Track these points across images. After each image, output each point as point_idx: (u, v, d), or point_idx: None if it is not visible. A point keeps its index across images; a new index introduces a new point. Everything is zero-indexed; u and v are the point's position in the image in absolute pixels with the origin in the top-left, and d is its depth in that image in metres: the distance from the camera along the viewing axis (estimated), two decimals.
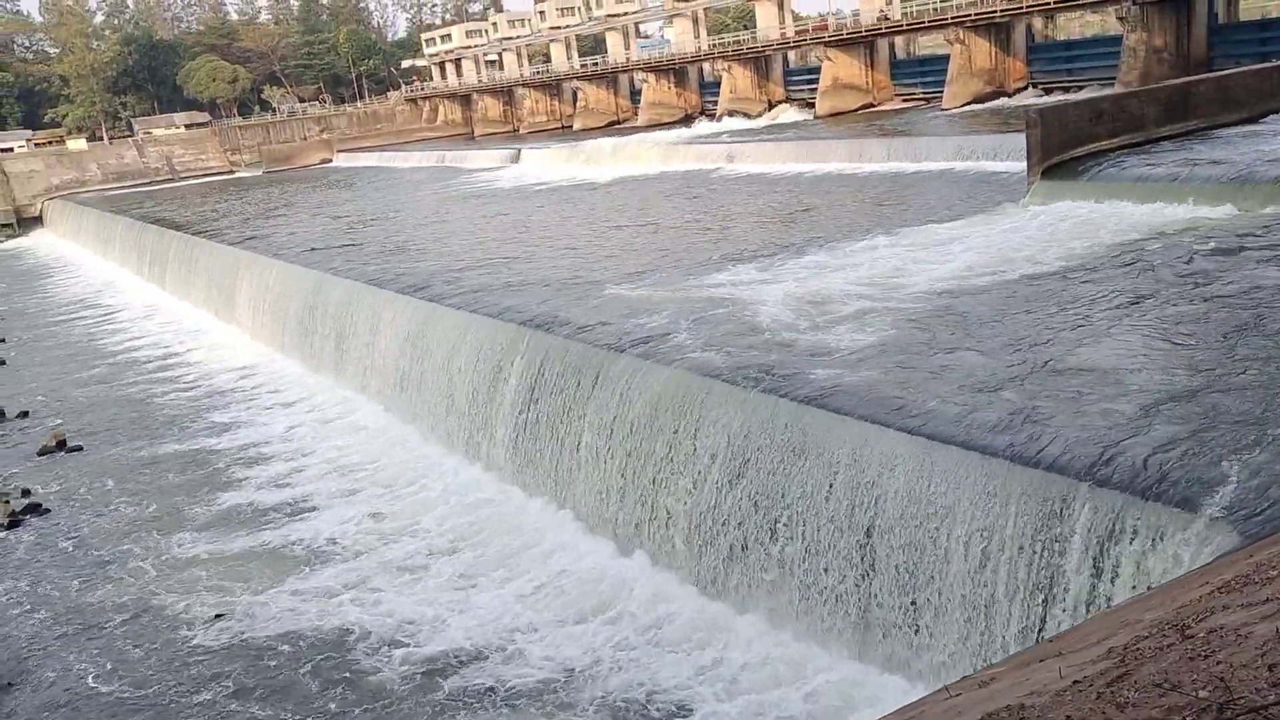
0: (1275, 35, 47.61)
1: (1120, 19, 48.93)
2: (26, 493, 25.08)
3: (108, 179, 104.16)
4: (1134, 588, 10.00)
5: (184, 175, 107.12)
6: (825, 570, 13.64)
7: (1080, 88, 53.50)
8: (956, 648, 12.04)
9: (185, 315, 45.32)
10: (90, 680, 16.21)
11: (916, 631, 12.53)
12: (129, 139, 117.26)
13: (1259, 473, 10.14)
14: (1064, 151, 28.04)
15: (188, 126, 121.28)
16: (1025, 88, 58.47)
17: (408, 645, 15.79)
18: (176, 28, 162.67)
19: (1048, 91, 56.70)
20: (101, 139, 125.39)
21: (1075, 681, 5.32)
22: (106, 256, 65.62)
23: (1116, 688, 5.00)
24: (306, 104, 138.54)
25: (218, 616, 17.52)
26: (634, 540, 16.93)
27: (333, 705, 14.62)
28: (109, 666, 16.52)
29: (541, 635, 15.48)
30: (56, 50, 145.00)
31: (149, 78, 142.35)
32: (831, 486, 13.60)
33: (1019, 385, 13.72)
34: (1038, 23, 62.56)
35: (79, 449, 28.45)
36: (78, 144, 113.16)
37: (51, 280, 65.35)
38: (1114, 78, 49.25)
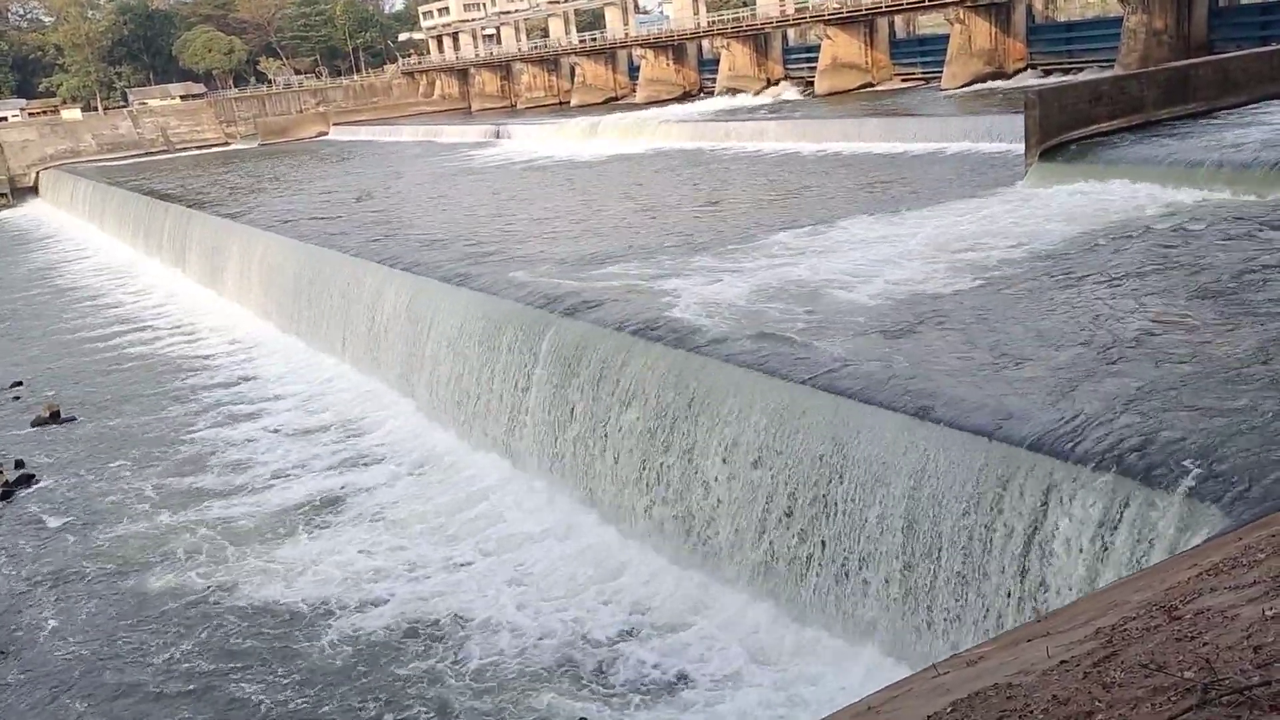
0: (1276, 19, 47.39)
1: (1121, 1, 48.71)
2: (20, 464, 25.08)
3: (102, 150, 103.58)
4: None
5: (179, 147, 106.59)
6: None
7: (1080, 69, 53.29)
8: None
9: (181, 287, 45.25)
10: (75, 647, 16.31)
11: None
12: (124, 109, 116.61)
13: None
14: (1063, 133, 27.96)
15: (183, 98, 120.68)
16: (1024, 69, 58.25)
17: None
18: None
19: (1047, 73, 56.49)
20: (96, 109, 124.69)
21: (1063, 661, 5.36)
22: (103, 228, 65.39)
23: (1103, 668, 5.04)
24: (303, 76, 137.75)
25: (210, 587, 17.60)
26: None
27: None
28: (95, 635, 16.60)
29: None
30: (51, 19, 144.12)
31: (144, 48, 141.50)
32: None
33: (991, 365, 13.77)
34: (1038, 3, 62.28)
35: (72, 419, 28.44)
36: (72, 114, 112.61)
37: (45, 250, 65.14)
38: (1114, 60, 49.07)
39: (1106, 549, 10.38)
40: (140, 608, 17.36)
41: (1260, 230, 19.42)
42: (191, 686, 14.93)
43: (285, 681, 14.73)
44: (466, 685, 14.10)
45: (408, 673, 14.55)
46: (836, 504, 13.45)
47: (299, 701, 14.24)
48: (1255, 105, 30.04)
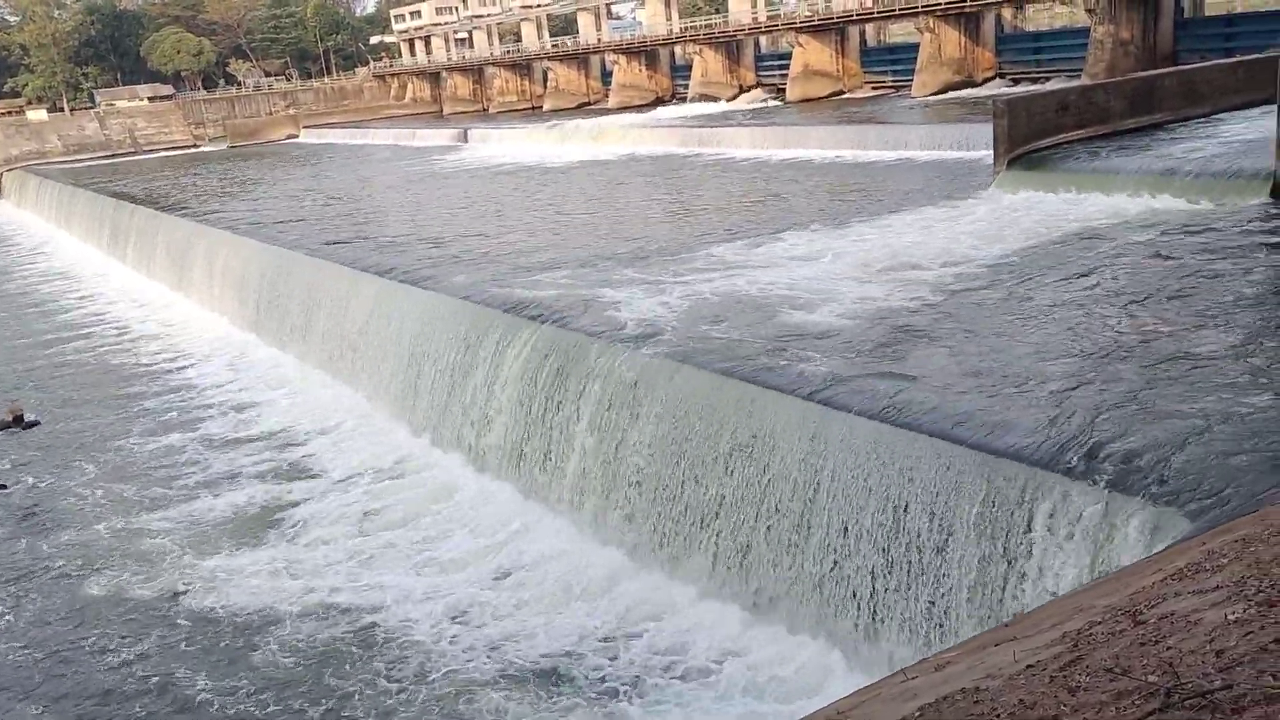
0: (1240, 30, 48.20)
1: (1088, 11, 49.29)
2: None
3: (68, 151, 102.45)
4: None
5: (147, 149, 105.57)
6: None
7: (1048, 79, 53.88)
8: None
9: (144, 288, 44.87)
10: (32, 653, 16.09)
11: None
12: (91, 110, 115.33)
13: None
14: (1030, 142, 28.27)
15: (151, 99, 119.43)
16: (993, 77, 58.81)
17: None
18: None
19: (1016, 82, 57.06)
20: (63, 110, 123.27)
21: (1029, 665, 5.40)
22: (70, 231, 64.66)
23: (1069, 672, 5.09)
24: (272, 78, 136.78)
25: (178, 593, 17.39)
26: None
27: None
28: (55, 642, 16.37)
29: None
30: (17, 19, 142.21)
31: (112, 48, 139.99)
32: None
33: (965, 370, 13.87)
34: (1007, 13, 62.91)
35: (36, 424, 28.06)
36: (38, 114, 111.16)
37: (4, 253, 64.28)
38: (1081, 69, 49.65)
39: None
40: (104, 613, 17.14)
41: (1221, 237, 19.72)
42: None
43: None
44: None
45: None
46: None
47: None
48: (1219, 115, 30.50)
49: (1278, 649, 4.45)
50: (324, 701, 13.94)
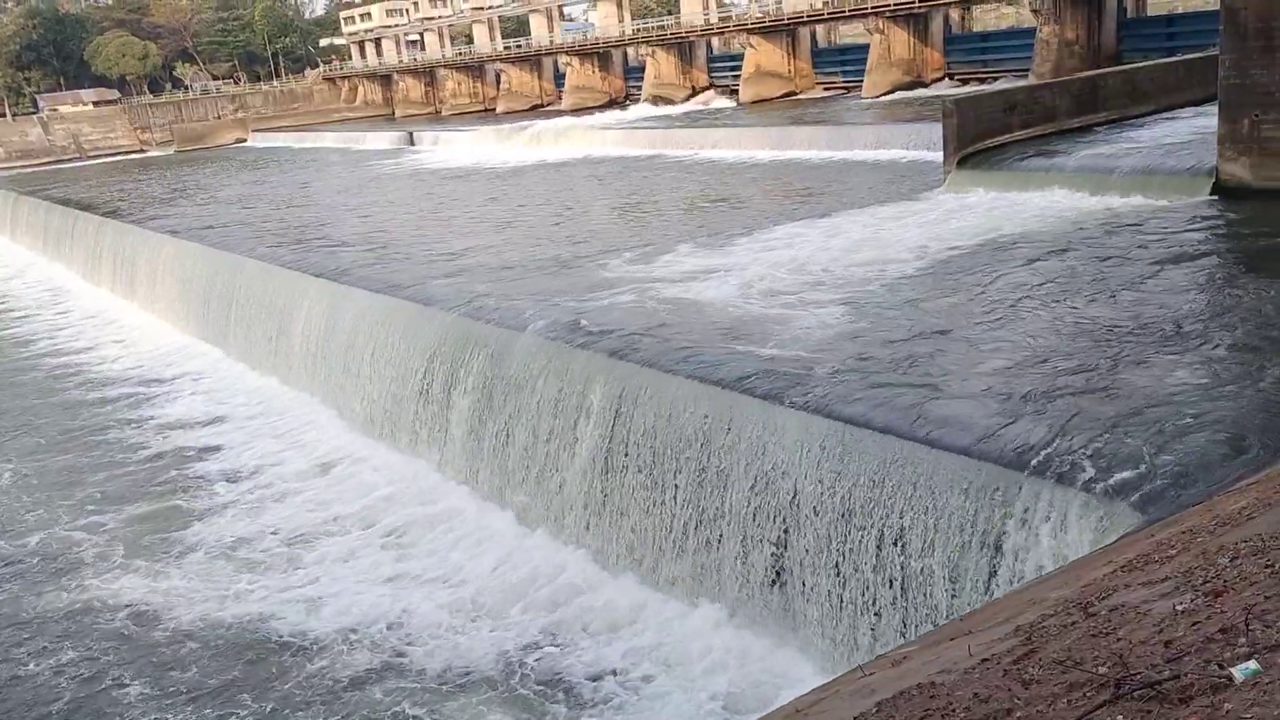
0: (1181, 30, 49.14)
1: (1034, 11, 50.03)
2: None
3: (11, 157, 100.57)
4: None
5: (92, 154, 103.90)
6: None
7: (995, 79, 54.59)
8: None
9: (97, 297, 44.26)
10: None
11: None
12: (34, 116, 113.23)
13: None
14: (979, 141, 28.61)
15: (96, 104, 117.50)
16: (942, 78, 59.50)
17: None
18: (83, 1, 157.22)
19: (964, 82, 57.76)
20: (4, 115, 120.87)
21: (984, 659, 5.47)
22: (14, 239, 63.51)
23: (1022, 665, 5.15)
24: (220, 82, 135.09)
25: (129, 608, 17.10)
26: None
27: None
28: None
29: None
30: None
31: (54, 53, 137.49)
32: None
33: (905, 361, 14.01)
34: (955, 14, 63.67)
35: None
36: None
37: None
38: (1028, 69, 50.37)
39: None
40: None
41: (1161, 234, 20.09)
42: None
43: None
44: None
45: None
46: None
47: None
48: (1162, 114, 31.07)
49: (1223, 639, 4.54)
50: None
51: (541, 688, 13.38)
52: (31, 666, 15.48)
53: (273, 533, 18.99)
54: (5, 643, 16.28)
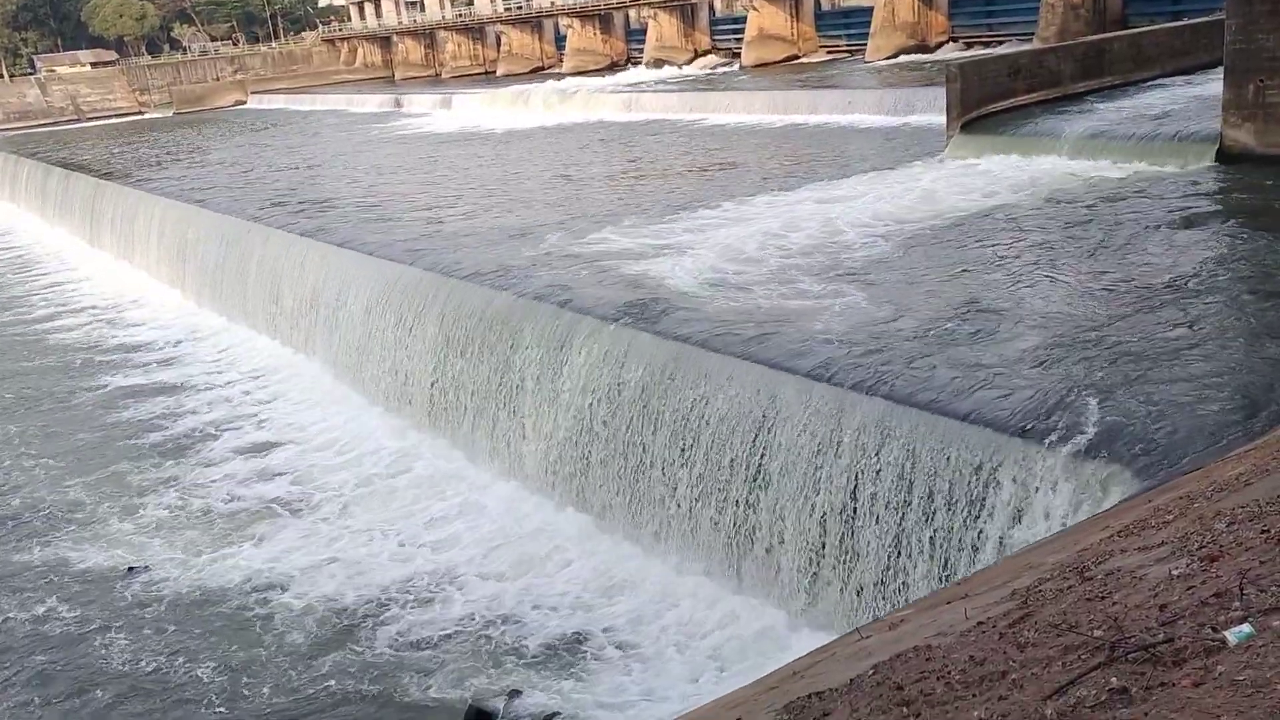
0: None
1: None
2: None
3: (9, 118, 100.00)
4: None
5: (90, 116, 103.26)
6: None
7: (1000, 43, 54.05)
8: None
9: (78, 253, 44.87)
10: None
11: None
12: (31, 77, 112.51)
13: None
14: (983, 106, 28.41)
15: (94, 65, 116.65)
16: (946, 41, 58.88)
17: None
18: None
19: (969, 46, 57.19)
20: (1, 77, 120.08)
21: (980, 623, 5.51)
22: (14, 201, 63.32)
23: (1018, 628, 5.20)
24: (219, 43, 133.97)
25: (130, 569, 17.23)
26: None
27: None
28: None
29: None
30: None
31: (51, 13, 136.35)
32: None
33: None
34: None
35: None
36: None
37: None
38: (1033, 33, 49.88)
39: None
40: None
41: (1162, 201, 20.03)
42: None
43: None
44: None
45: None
46: None
47: None
48: (1168, 78, 30.81)
49: (1217, 603, 4.57)
50: None
51: None
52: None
53: None
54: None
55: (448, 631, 14.08)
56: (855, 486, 12.20)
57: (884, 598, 11.73)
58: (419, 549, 16.40)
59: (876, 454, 12.05)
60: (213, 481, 20.24)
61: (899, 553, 11.70)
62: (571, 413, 16.40)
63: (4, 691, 14.23)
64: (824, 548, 12.52)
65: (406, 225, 27.38)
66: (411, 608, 14.78)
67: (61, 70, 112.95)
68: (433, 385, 20.26)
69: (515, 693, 12.61)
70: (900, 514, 11.71)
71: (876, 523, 11.96)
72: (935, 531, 11.35)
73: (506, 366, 18.18)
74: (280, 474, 20.09)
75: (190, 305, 33.48)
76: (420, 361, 20.73)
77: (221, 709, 13.14)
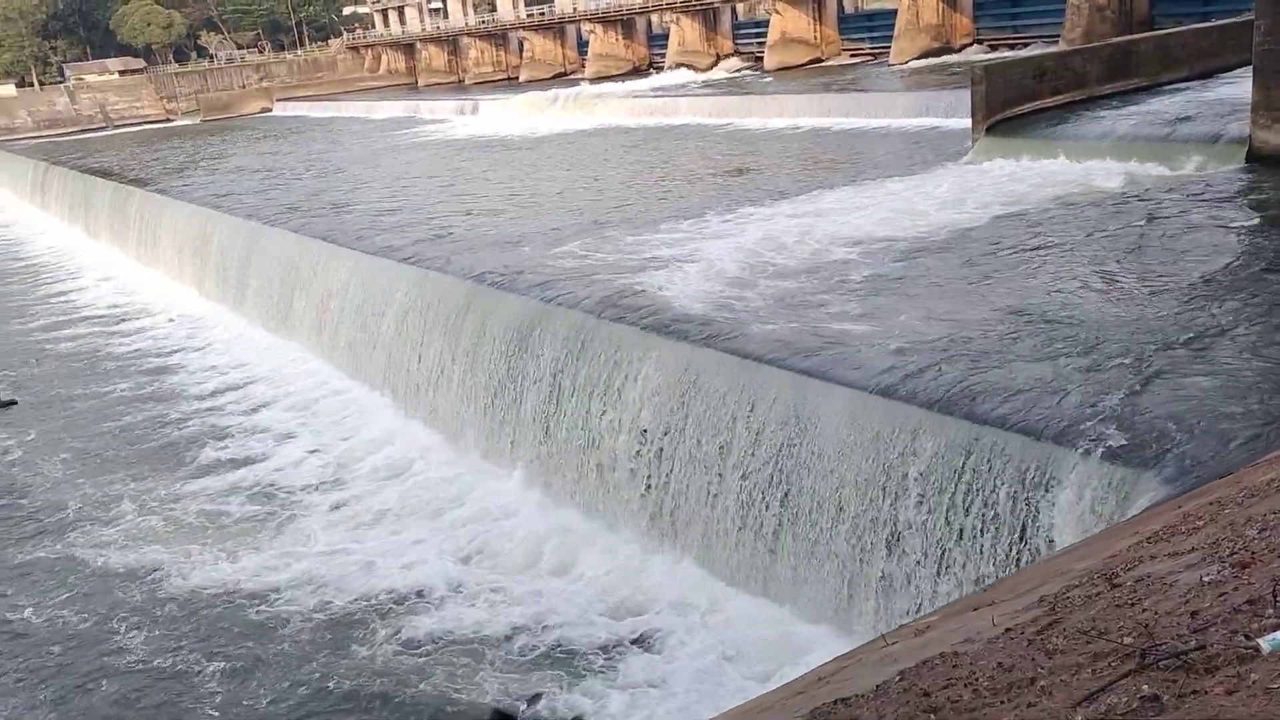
0: None
1: None
2: None
3: (39, 126, 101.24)
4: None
5: (119, 123, 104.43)
6: None
7: (1025, 45, 53.75)
8: None
9: (116, 264, 44.91)
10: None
11: None
12: (61, 85, 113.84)
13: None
14: (1008, 108, 28.24)
15: (122, 73, 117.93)
16: (971, 44, 58.63)
17: None
18: None
19: (994, 48, 56.91)
20: (31, 85, 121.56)
21: (1007, 629, 5.47)
22: (45, 209, 64.00)
23: (1046, 635, 5.15)
24: (245, 51, 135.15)
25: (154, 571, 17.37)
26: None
27: None
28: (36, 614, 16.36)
29: None
30: None
31: (80, 22, 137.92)
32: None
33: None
34: None
35: (13, 403, 27.88)
36: (7, 90, 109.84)
37: None
38: (1059, 35, 49.56)
39: None
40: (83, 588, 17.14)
41: (1194, 203, 19.84)
42: None
43: None
44: None
45: None
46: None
47: None
48: (1195, 80, 30.53)
49: (1250, 610, 4.51)
50: None
51: None
52: None
53: None
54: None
55: None
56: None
57: None
58: None
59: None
60: None
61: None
62: None
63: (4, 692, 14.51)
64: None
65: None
66: None
67: (90, 78, 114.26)
68: None
69: (535, 697, 12.63)
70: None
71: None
72: None
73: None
74: None
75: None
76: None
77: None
